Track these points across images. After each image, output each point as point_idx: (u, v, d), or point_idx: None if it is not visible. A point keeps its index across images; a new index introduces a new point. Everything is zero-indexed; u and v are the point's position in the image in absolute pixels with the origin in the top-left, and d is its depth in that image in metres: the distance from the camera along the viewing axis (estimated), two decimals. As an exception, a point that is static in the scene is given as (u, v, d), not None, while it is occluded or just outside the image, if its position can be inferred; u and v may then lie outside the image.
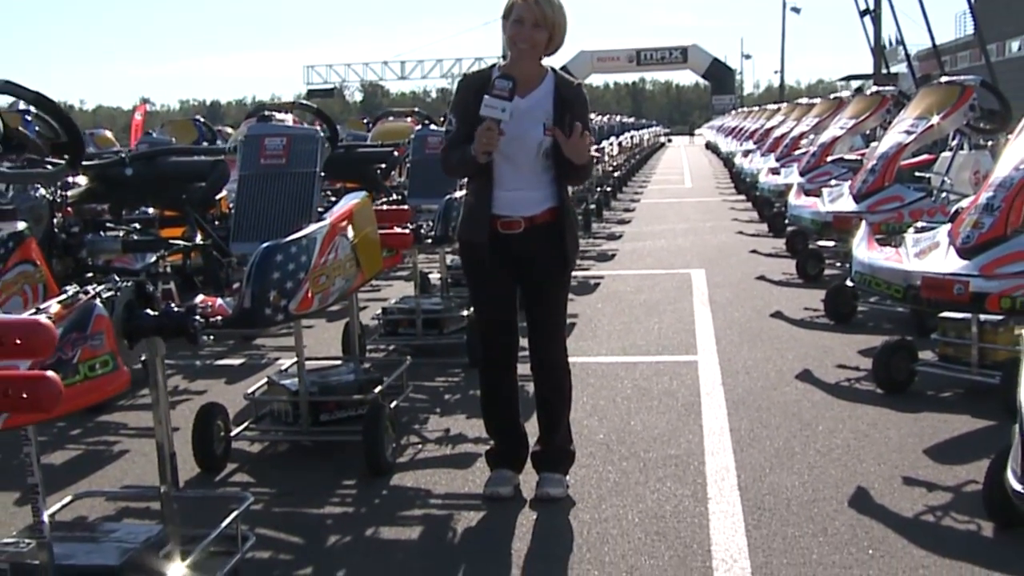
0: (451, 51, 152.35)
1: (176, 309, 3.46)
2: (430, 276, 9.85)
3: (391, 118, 16.63)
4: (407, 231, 5.41)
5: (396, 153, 9.34)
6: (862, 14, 29.49)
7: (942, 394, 6.36)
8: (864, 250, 6.12)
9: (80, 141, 4.17)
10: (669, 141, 62.45)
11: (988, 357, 6.18)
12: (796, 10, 79.80)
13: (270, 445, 5.68)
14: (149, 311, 3.40)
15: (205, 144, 14.25)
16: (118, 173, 6.48)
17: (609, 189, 20.56)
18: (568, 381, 4.93)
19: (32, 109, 6.35)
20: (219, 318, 3.59)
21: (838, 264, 10.65)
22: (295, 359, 5.62)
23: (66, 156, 4.17)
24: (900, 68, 36.90)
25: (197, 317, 3.42)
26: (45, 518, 3.13)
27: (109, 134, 22.92)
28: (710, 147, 44.43)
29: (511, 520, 4.58)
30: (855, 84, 39.68)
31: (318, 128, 6.49)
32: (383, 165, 9.12)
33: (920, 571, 3.96)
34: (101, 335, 2.95)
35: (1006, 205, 5.55)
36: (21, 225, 3.83)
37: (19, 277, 3.93)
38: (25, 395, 2.12)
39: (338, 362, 6.26)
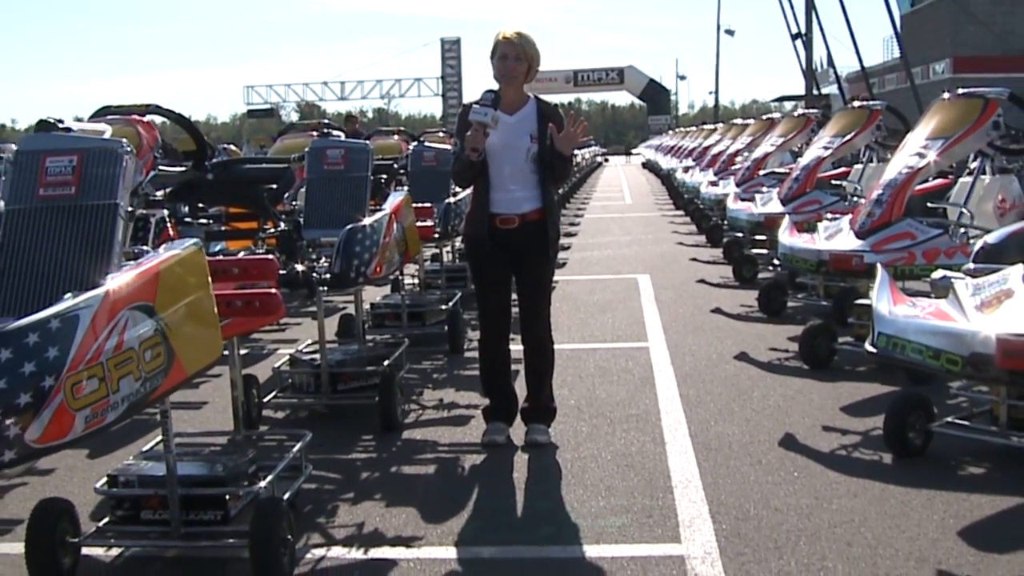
0: (390, 72, 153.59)
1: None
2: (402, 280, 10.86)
3: (291, 133, 15.35)
4: (430, 224, 6.46)
5: (291, 170, 8.41)
6: (794, 37, 30.76)
7: (858, 368, 7.52)
8: (787, 236, 7.38)
9: (205, 150, 5.10)
10: (606, 161, 63.84)
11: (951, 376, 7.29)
12: (730, 32, 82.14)
13: (292, 412, 6.68)
14: None
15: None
16: (200, 178, 6.69)
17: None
18: (551, 349, 6.02)
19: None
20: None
21: (770, 267, 11.84)
22: (311, 340, 6.63)
23: (192, 161, 5.00)
24: (831, 89, 38.40)
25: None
26: (172, 438, 4.13)
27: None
28: (647, 166, 45.82)
29: (508, 459, 5.64)
30: (788, 104, 41.31)
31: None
32: (274, 185, 8.18)
33: (833, 486, 5.08)
34: None
35: (891, 199, 6.77)
36: (164, 212, 4.70)
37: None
38: (260, 304, 3.11)
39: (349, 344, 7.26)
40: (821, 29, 25.54)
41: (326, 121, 15.76)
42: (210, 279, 3.46)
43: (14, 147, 14.19)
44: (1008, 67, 37.06)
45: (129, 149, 3.56)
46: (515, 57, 5.68)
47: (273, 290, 3.45)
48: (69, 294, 2.80)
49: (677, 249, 15.84)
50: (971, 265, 4.68)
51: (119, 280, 3.13)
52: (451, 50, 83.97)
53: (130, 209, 3.77)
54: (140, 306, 3.11)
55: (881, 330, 4.38)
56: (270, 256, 3.44)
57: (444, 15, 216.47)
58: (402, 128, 17.91)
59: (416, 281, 9.75)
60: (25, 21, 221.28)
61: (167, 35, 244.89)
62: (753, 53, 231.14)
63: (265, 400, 6.42)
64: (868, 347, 5.08)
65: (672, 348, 8.40)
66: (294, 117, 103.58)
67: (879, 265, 4.96)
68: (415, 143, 10.76)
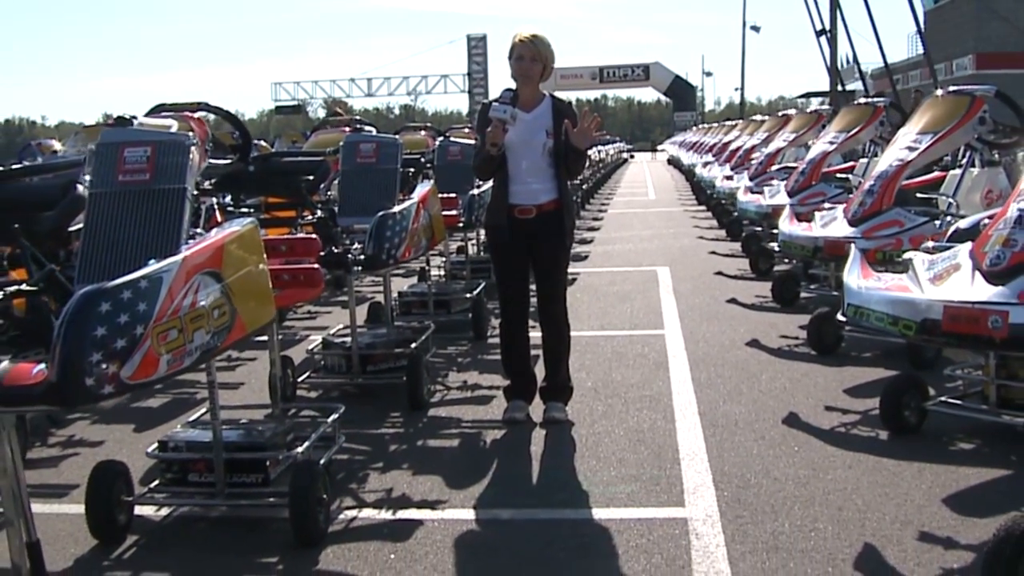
0: (417, 68, 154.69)
1: None
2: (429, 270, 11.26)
3: (325, 129, 15.95)
4: (455, 213, 6.87)
5: (326, 162, 9.02)
6: (818, 34, 30.83)
7: (863, 354, 7.85)
8: (786, 224, 7.90)
9: (250, 144, 5.47)
10: (631, 157, 64.12)
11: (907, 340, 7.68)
12: (756, 29, 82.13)
13: (324, 392, 7.08)
14: None
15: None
16: (243, 170, 6.92)
17: (577, 201, 22.02)
18: (568, 332, 6.39)
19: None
20: None
21: (785, 260, 12.15)
22: (342, 325, 7.03)
23: (238, 154, 5.29)
24: (855, 85, 38.56)
25: None
26: (219, 407, 4.54)
27: (57, 144, 21.59)
28: (672, 163, 46.09)
29: (526, 434, 6.02)
30: (815, 101, 41.41)
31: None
32: (310, 177, 8.64)
33: (830, 459, 5.43)
34: None
35: (882, 189, 7.15)
36: (213, 200, 5.05)
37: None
38: (304, 278, 3.51)
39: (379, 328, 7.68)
40: (845, 26, 25.69)
41: (357, 118, 16.41)
42: (264, 253, 3.87)
43: (56, 144, 14.47)
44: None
45: (195, 141, 4.07)
46: (531, 58, 6.06)
47: (316, 266, 3.87)
48: (153, 259, 3.24)
49: (697, 243, 16.17)
50: (930, 244, 5.06)
51: (192, 250, 3.57)
52: (477, 47, 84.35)
53: (195, 193, 4.19)
54: (209, 272, 3.56)
55: (850, 301, 4.78)
56: (314, 236, 3.86)
57: (471, 12, 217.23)
58: (428, 124, 18.37)
59: (442, 272, 10.16)
60: (52, 20, 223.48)
61: (195, 32, 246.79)
62: (779, 49, 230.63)
63: (299, 380, 6.83)
64: (839, 316, 5.48)
65: (687, 335, 8.75)
66: (321, 113, 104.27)
67: (852, 246, 5.32)
68: (441, 138, 11.18)
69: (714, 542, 4.38)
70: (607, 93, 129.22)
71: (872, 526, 4.50)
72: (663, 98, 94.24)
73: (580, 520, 4.73)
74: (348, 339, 6.90)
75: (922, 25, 25.79)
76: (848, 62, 41.68)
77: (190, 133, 4.22)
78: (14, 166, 7.88)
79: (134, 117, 4.79)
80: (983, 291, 4.28)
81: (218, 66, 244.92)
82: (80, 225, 5.13)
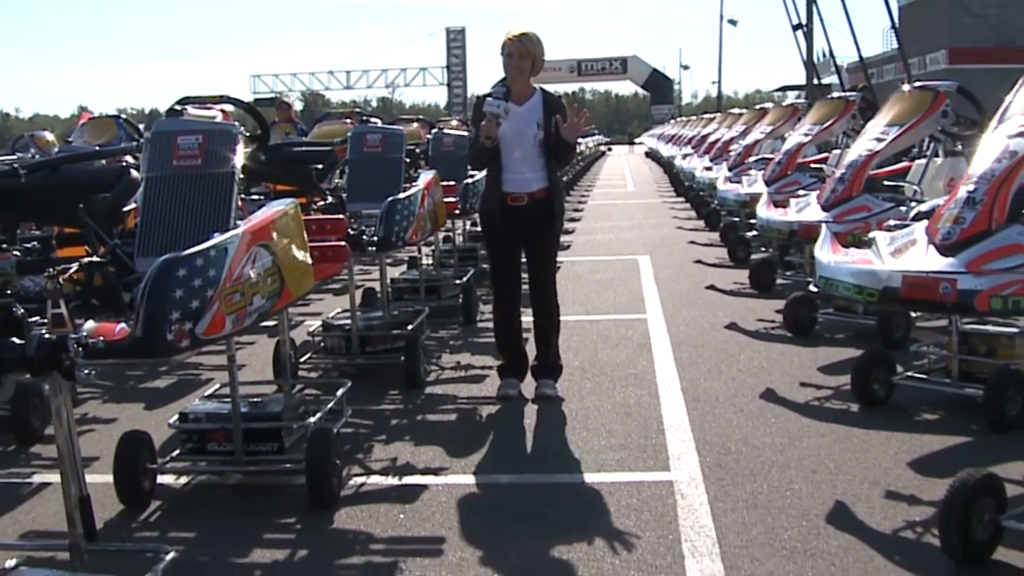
0: (396, 61, 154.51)
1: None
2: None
3: (328, 120, 16.69)
4: (453, 200, 7.25)
5: (334, 152, 9.46)
6: (795, 28, 31.18)
7: (837, 335, 8.26)
8: (764, 210, 8.41)
9: (268, 134, 5.74)
10: (609, 150, 64.48)
11: (869, 306, 8.12)
12: (733, 22, 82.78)
13: (324, 372, 7.43)
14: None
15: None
16: (254, 158, 7.35)
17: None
18: (557, 313, 6.74)
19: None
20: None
21: (762, 248, 12.56)
22: (340, 309, 7.37)
23: (256, 143, 5.31)
24: (832, 79, 39.02)
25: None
26: (237, 380, 4.89)
27: (50, 136, 21.55)
28: (650, 156, 46.52)
29: (520, 409, 6.39)
30: (792, 94, 41.89)
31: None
32: (319, 166, 9.18)
33: (805, 429, 5.82)
34: None
35: (852, 177, 7.64)
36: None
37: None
38: (331, 253, 3.85)
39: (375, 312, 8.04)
40: (821, 20, 26.23)
41: (357, 110, 17.08)
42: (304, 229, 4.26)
43: (49, 136, 14.70)
44: (1002, 58, 37.66)
45: (240, 130, 4.43)
46: (520, 55, 6.42)
47: (342, 243, 4.24)
48: (216, 233, 3.59)
49: (677, 233, 16.57)
50: (892, 222, 5.51)
51: (250, 225, 3.97)
52: (456, 40, 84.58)
53: (242, 177, 4.56)
54: (263, 244, 3.95)
55: (821, 274, 5.24)
56: (340, 216, 4.24)
57: (450, 5, 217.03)
58: (421, 116, 18.81)
59: (430, 261, 10.52)
60: (25, 11, 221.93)
61: (171, 24, 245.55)
62: (756, 43, 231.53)
63: (301, 360, 7.17)
64: (811, 287, 5.95)
65: (668, 319, 9.13)
66: (298, 106, 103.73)
67: (824, 226, 5.75)
68: (435, 130, 11.58)
69: (698, 501, 4.76)
70: (585, 86, 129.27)
71: (843, 486, 4.89)
72: (641, 91, 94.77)
73: (574, 483, 5.10)
74: (347, 322, 7.25)
75: (896, 21, 26.27)
76: (824, 56, 42.27)
77: (236, 123, 4.61)
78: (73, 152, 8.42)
79: (184, 109, 5.15)
80: (936, 262, 4.65)
81: (195, 58, 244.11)
82: (132, 206, 5.68)
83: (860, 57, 20.55)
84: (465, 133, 10.53)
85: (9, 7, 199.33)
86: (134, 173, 5.57)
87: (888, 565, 4.03)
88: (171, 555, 3.70)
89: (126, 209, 5.72)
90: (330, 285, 10.94)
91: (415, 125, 16.42)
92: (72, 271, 3.99)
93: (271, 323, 8.56)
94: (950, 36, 43.21)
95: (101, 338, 3.28)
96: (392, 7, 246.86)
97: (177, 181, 4.70)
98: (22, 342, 3.27)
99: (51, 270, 3.51)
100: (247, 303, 3.76)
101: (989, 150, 4.92)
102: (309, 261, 4.39)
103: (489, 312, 8.85)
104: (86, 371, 3.40)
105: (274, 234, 4.03)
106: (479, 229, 12.96)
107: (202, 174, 4.66)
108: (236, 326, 3.70)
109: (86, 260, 4.26)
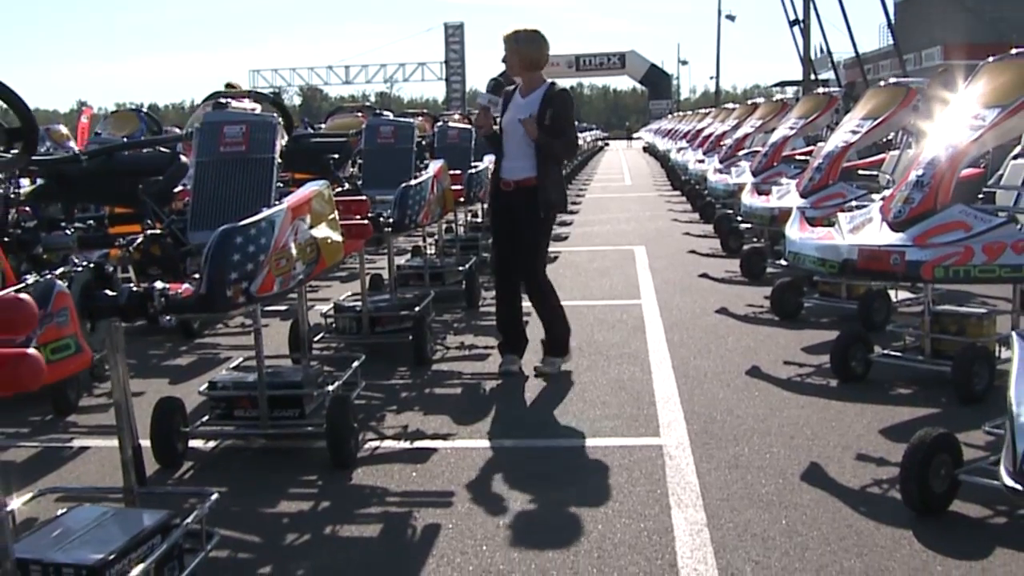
0: (394, 56, 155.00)
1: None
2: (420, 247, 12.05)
3: (340, 114, 17.63)
4: (460, 187, 7.73)
5: (350, 143, 10.24)
6: (792, 24, 31.64)
7: (821, 319, 8.71)
8: (748, 198, 8.99)
9: (292, 126, 6.11)
10: (607, 145, 64.88)
11: (853, 292, 8.58)
12: (731, 18, 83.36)
13: (334, 351, 7.87)
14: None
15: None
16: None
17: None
18: (546, 296, 7.12)
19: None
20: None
21: (754, 239, 12.99)
22: (350, 292, 7.82)
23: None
24: (828, 75, 39.45)
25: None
26: (263, 350, 5.32)
27: (64, 129, 21.80)
28: (648, 150, 46.94)
29: (521, 384, 6.84)
30: (790, 90, 42.26)
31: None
32: (336, 155, 9.86)
33: (786, 401, 6.27)
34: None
35: (828, 166, 8.12)
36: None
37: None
38: (355, 231, 4.29)
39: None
40: (818, 16, 26.67)
41: (368, 104, 17.73)
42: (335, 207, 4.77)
43: (63, 128, 15.26)
44: (997, 54, 38.09)
45: (279, 121, 4.91)
46: (509, 52, 6.90)
47: (365, 221, 4.72)
48: (264, 208, 4.07)
49: (672, 225, 17.02)
50: (854, 203, 6.04)
51: (292, 201, 4.46)
52: (454, 35, 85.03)
53: (280, 161, 5.05)
54: (302, 218, 4.45)
55: (790, 249, 5.92)
56: (363, 198, 4.71)
57: (448, 0, 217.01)
58: (425, 111, 19.36)
59: (433, 250, 10.95)
60: (23, 5, 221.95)
61: (170, 19, 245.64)
62: (754, 39, 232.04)
63: (314, 340, 7.60)
64: (781, 261, 6.69)
65: (662, 304, 9.58)
66: (296, 101, 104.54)
67: (794, 208, 6.26)
68: (439, 123, 12.07)
69: (685, 462, 5.20)
70: (583, 81, 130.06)
71: (818, 450, 5.34)
72: (639, 86, 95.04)
73: (572, 447, 5.55)
74: (357, 304, 7.69)
75: (892, 17, 26.75)
76: (821, 52, 42.74)
77: (274, 114, 5.13)
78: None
79: (228, 102, 5.63)
80: (888, 237, 5.25)
81: (194, 53, 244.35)
82: (180, 188, 6.15)
83: (856, 53, 21.06)
84: (468, 127, 11.04)
85: (7, 2, 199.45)
86: (183, 159, 6.04)
87: (854, 515, 4.48)
88: (215, 495, 4.09)
89: (176, 191, 6.21)
90: (337, 273, 11.38)
91: (420, 119, 16.94)
92: (138, 243, 4.47)
93: (282, 307, 9.08)
94: (946, 32, 43.60)
95: (179, 290, 3.78)
96: (391, 2, 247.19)
97: (224, 165, 5.29)
98: (115, 294, 3.70)
99: (120, 240, 3.97)
100: (291, 268, 4.26)
101: (936, 140, 5.51)
102: (340, 236, 4.88)
103: (491, 298, 9.41)
104: (167, 318, 3.88)
105: (311, 210, 4.53)
106: (479, 220, 13.56)
107: (246, 159, 5.25)
108: (283, 287, 4.18)
109: (148, 233, 4.73)
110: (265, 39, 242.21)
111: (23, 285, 3.03)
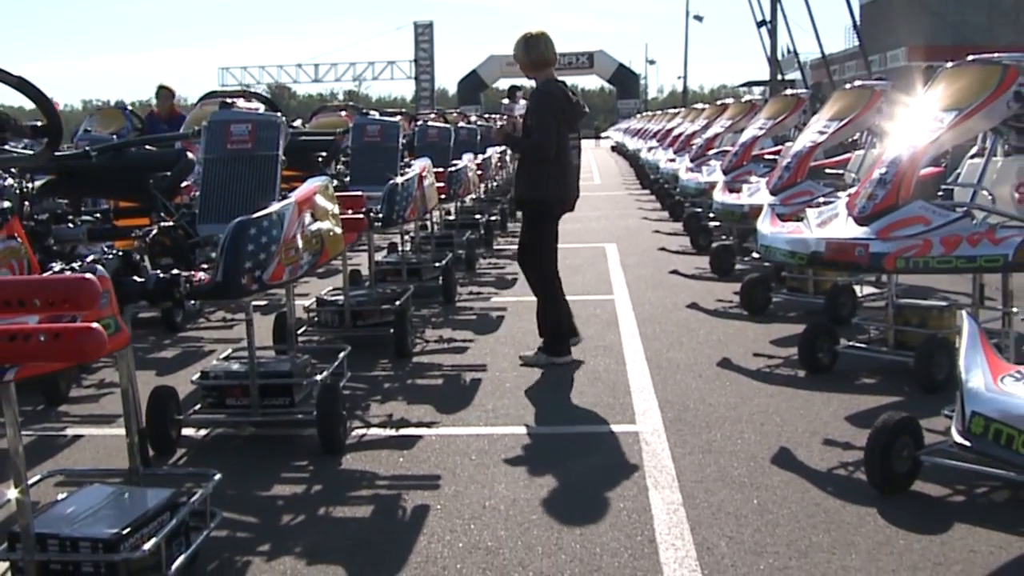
0: (364, 55, 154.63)
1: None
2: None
3: (324, 113, 17.43)
4: (443, 184, 7.97)
5: (337, 141, 10.20)
6: (759, 24, 31.87)
7: (789, 314, 8.99)
8: (720, 196, 9.27)
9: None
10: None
11: (820, 287, 8.87)
12: (699, 18, 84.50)
13: (317, 344, 8.06)
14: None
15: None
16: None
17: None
18: (543, 297, 7.46)
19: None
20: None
21: (723, 236, 13.28)
22: (331, 287, 8.02)
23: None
24: (795, 75, 39.89)
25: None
26: (255, 341, 5.52)
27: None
28: (616, 149, 47.23)
29: (501, 376, 7.07)
30: (757, 90, 42.68)
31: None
32: (324, 153, 9.90)
33: (756, 390, 6.53)
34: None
35: (797, 165, 8.49)
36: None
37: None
38: (350, 224, 4.51)
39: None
40: (785, 17, 27.16)
41: (351, 103, 18.03)
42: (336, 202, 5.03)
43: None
44: (960, 56, 38.63)
45: (284, 120, 5.14)
46: (518, 55, 7.29)
47: (360, 216, 4.95)
48: (274, 202, 4.29)
49: (642, 223, 17.29)
50: (821, 199, 6.34)
51: (298, 195, 4.74)
52: (424, 33, 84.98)
53: (284, 159, 5.27)
54: (308, 212, 4.73)
55: (761, 242, 6.22)
56: (359, 194, 4.96)
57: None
58: (404, 110, 19.62)
59: (409, 247, 11.17)
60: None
61: (138, 15, 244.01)
62: (721, 39, 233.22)
63: (298, 333, 7.79)
64: (754, 254, 7.28)
65: (634, 299, 9.83)
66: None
67: (765, 204, 6.55)
68: (419, 122, 12.28)
69: (660, 447, 5.44)
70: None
71: (787, 436, 5.60)
72: (607, 85, 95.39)
73: (552, 434, 5.79)
74: (339, 298, 7.88)
75: (858, 19, 27.17)
76: (788, 52, 43.21)
77: (279, 113, 5.37)
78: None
79: (235, 103, 5.86)
80: (853, 231, 5.55)
81: (162, 50, 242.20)
82: (187, 183, 6.37)
83: (823, 54, 21.34)
84: (447, 126, 11.33)
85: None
86: (190, 155, 6.25)
87: (821, 495, 4.73)
88: (218, 476, 4.27)
89: (183, 185, 6.42)
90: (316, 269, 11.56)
91: (399, 118, 17.11)
92: (152, 235, 4.68)
93: (262, 302, 9.25)
94: (910, 34, 44.20)
95: (201, 277, 4.04)
96: (361, 1, 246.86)
97: (231, 162, 5.52)
98: (142, 280, 3.95)
99: (137, 231, 4.19)
100: (299, 258, 4.58)
101: (898, 140, 5.82)
102: (340, 227, 5.14)
103: (467, 293, 9.72)
104: (192, 302, 4.22)
105: (316, 204, 4.80)
106: (452, 219, 13.82)
107: (252, 156, 5.49)
108: (291, 275, 4.49)
109: (161, 225, 4.94)
110: (234, 37, 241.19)
111: (55, 272, 3.27)
